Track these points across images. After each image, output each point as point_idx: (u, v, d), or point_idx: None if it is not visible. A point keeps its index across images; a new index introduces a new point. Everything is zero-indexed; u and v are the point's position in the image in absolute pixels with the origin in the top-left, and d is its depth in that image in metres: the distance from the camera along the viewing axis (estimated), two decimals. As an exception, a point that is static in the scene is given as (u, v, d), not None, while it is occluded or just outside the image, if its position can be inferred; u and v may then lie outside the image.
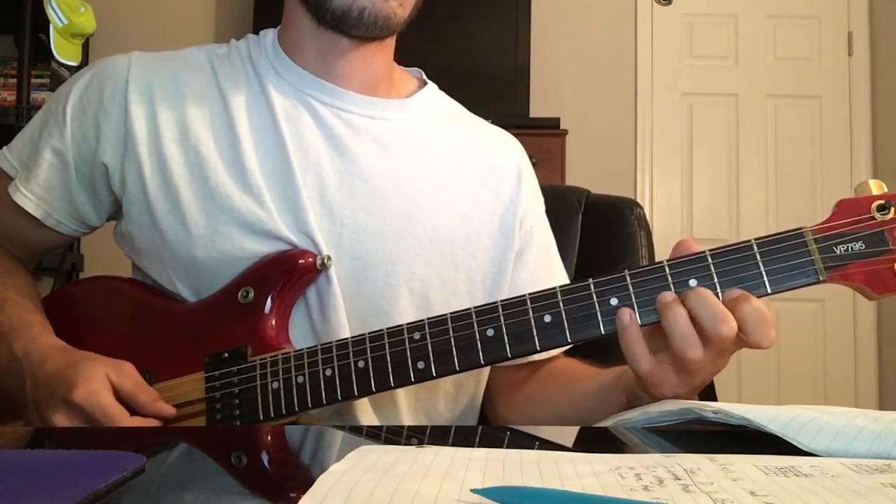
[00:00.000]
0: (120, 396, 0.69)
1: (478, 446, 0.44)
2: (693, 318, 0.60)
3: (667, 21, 3.13)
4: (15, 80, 2.62)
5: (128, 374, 0.70)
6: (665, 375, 0.62)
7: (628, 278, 0.63)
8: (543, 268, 0.88)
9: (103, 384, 0.68)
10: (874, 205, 0.61)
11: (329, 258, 0.76)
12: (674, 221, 3.07)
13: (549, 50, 3.01)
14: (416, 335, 0.68)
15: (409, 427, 0.77)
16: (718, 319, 0.59)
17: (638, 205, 1.13)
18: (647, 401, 0.64)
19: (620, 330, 0.63)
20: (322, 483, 0.35)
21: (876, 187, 0.63)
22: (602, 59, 3.09)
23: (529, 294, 0.66)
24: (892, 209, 0.61)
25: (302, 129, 0.80)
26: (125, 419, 0.68)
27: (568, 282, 0.85)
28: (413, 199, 0.81)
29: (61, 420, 0.67)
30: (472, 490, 0.33)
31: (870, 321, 3.03)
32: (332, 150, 0.80)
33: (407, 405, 0.81)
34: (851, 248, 0.61)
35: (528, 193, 0.89)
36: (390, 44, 0.87)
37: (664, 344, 0.62)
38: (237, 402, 0.73)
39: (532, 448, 0.49)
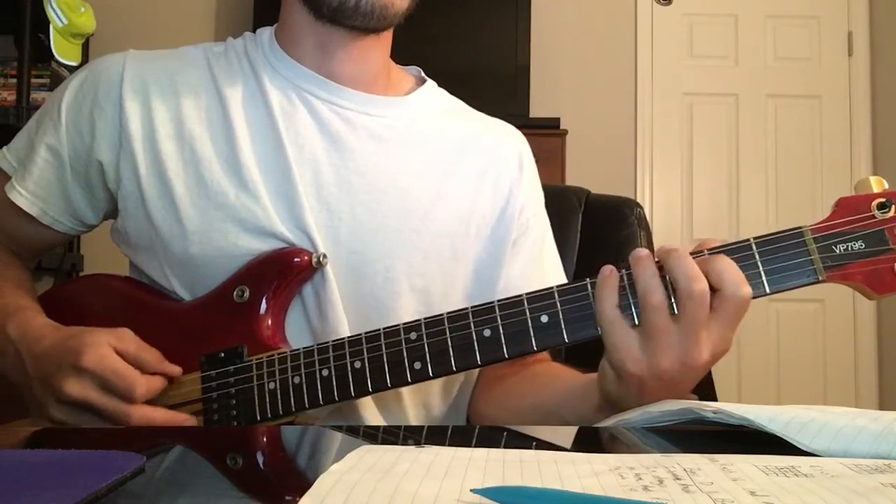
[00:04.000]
0: (125, 360, 0.70)
1: (477, 446, 0.44)
2: (668, 277, 0.60)
3: (667, 21, 3.12)
4: (15, 80, 2.61)
5: (128, 339, 0.71)
6: (627, 338, 0.61)
7: (625, 278, 0.63)
8: (536, 261, 0.87)
9: (108, 349, 0.69)
10: (874, 203, 0.61)
11: (325, 256, 0.75)
12: (674, 221, 3.07)
13: (549, 50, 3.00)
14: (413, 335, 0.68)
15: (406, 427, 0.76)
16: (690, 278, 0.58)
17: (638, 205, 1.13)
18: (612, 384, 0.63)
19: (599, 281, 0.62)
20: (322, 483, 0.35)
21: (876, 184, 0.62)
22: (602, 59, 3.09)
23: (526, 294, 0.66)
24: (893, 207, 0.60)
25: (298, 124, 0.80)
26: (137, 377, 0.69)
27: (563, 279, 0.85)
28: (411, 193, 0.81)
29: (73, 387, 0.68)
30: (472, 490, 0.33)
31: (870, 321, 3.03)
32: (329, 145, 0.80)
33: (408, 395, 0.81)
34: (851, 247, 0.61)
35: (528, 185, 0.89)
36: (387, 39, 0.86)
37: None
38: (234, 402, 0.72)
39: (531, 448, 0.49)
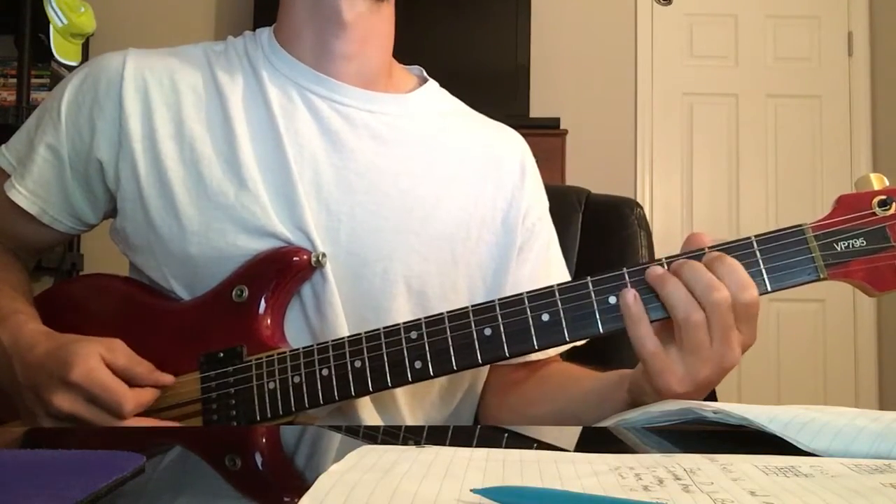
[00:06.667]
0: (115, 372, 0.69)
1: (477, 446, 0.44)
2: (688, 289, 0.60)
3: (667, 21, 3.12)
4: (15, 80, 2.62)
5: (120, 351, 0.71)
6: (670, 362, 0.61)
7: (627, 276, 0.63)
8: (543, 266, 0.87)
9: (98, 361, 0.68)
10: (875, 200, 0.61)
11: (324, 255, 0.75)
12: (674, 221, 3.07)
13: (549, 50, 3.00)
14: (413, 334, 0.67)
15: (406, 427, 0.76)
16: (711, 287, 0.59)
17: (638, 205, 1.13)
18: (651, 398, 0.63)
19: (624, 309, 0.62)
20: (322, 483, 0.35)
21: (877, 182, 0.62)
22: (602, 59, 3.09)
23: (527, 292, 0.66)
24: (894, 205, 0.60)
25: (298, 123, 0.80)
26: (125, 391, 0.68)
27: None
28: (411, 194, 0.80)
29: (62, 401, 0.67)
30: (472, 490, 0.33)
31: (870, 321, 3.03)
32: (329, 145, 0.80)
33: (405, 398, 0.81)
34: (852, 244, 0.61)
35: (531, 189, 0.88)
36: (388, 35, 0.86)
37: (668, 337, 0.61)
38: (233, 402, 0.72)
39: (531, 448, 0.49)
